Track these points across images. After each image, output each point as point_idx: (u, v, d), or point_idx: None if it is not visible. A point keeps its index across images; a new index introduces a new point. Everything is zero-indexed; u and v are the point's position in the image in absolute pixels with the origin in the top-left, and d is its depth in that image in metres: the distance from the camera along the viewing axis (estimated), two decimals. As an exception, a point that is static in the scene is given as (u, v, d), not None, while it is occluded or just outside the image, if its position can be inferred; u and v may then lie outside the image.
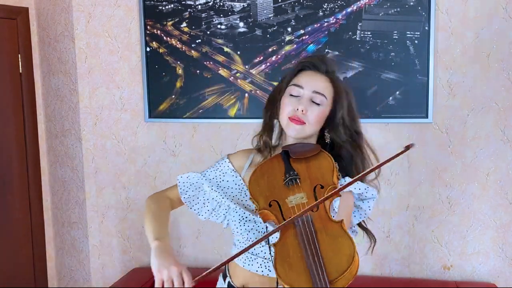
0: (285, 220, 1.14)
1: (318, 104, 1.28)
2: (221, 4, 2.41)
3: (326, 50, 2.32)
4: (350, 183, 1.15)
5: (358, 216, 1.34)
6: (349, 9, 2.29)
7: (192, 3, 2.44)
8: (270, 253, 1.28)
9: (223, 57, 2.45)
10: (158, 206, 1.37)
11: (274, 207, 1.19)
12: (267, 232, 1.28)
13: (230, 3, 2.40)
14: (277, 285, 1.14)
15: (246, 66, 2.42)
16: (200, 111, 2.50)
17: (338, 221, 1.12)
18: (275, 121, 1.38)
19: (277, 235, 1.16)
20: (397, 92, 2.28)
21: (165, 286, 1.10)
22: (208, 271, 1.08)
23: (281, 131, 1.40)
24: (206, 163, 2.55)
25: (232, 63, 2.44)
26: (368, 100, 2.30)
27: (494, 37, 2.19)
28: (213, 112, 2.48)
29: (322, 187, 1.19)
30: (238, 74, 2.44)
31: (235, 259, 1.32)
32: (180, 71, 2.50)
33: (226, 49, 2.44)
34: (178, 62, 2.50)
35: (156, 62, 2.52)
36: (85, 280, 2.77)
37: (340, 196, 1.23)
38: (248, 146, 2.47)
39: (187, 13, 2.46)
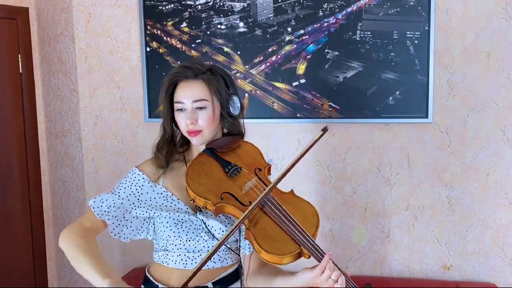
0: (245, 205, 1.26)
1: (204, 108, 1.34)
2: (221, 4, 2.41)
3: (326, 50, 2.32)
4: (290, 167, 1.29)
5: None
6: (349, 9, 2.29)
7: (192, 3, 2.44)
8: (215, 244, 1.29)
9: (223, 57, 2.45)
10: (80, 242, 1.29)
11: (228, 198, 1.27)
12: (205, 226, 1.35)
13: (230, 3, 2.40)
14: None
15: (246, 66, 2.42)
16: (200, 111, 2.49)
17: (289, 191, 1.33)
18: (177, 132, 1.45)
19: (224, 227, 1.34)
20: (397, 92, 2.28)
21: None
22: (188, 278, 1.12)
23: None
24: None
25: (232, 63, 2.44)
26: (368, 100, 2.30)
27: (494, 37, 2.19)
28: (213, 112, 2.48)
29: (260, 169, 1.36)
30: (238, 74, 2.44)
31: (171, 264, 1.38)
32: (180, 71, 2.50)
33: (226, 49, 2.44)
34: (178, 62, 2.50)
35: (156, 62, 2.52)
36: (85, 280, 2.76)
37: (270, 173, 1.39)
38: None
39: (187, 13, 2.46)
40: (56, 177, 2.84)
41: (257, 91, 2.43)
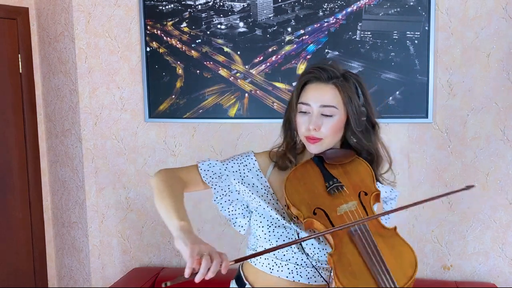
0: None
1: (330, 116, 1.24)
2: (221, 4, 2.41)
3: (326, 50, 2.32)
4: (402, 207, 1.17)
5: (384, 219, 1.32)
6: (349, 9, 2.29)
7: (192, 3, 2.44)
8: (304, 259, 1.25)
9: (223, 57, 2.45)
10: (173, 184, 1.25)
11: (320, 216, 1.17)
12: (297, 237, 1.25)
13: (230, 3, 2.40)
14: None
15: (246, 66, 2.42)
16: (200, 111, 2.50)
17: (391, 228, 1.13)
18: (297, 137, 1.35)
19: (317, 244, 1.20)
20: (397, 92, 2.28)
21: (202, 262, 0.98)
22: (239, 258, 1.06)
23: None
24: (206, 163, 2.56)
25: (232, 63, 2.44)
26: (368, 100, 2.30)
27: (494, 37, 2.19)
28: (213, 112, 2.48)
29: (366, 194, 1.19)
30: (238, 74, 2.44)
31: (258, 265, 1.31)
32: (180, 71, 2.50)
33: (226, 49, 2.44)
34: (178, 62, 2.50)
35: (156, 62, 2.52)
36: (85, 280, 2.77)
37: (379, 202, 1.22)
38: (248, 146, 2.48)
39: (187, 13, 2.46)
40: (56, 177, 2.84)
41: (257, 91, 2.43)
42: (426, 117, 2.26)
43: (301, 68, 2.36)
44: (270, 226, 1.28)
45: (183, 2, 2.45)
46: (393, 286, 1.01)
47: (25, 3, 2.75)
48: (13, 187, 2.79)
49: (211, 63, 2.46)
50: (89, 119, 2.63)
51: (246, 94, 2.44)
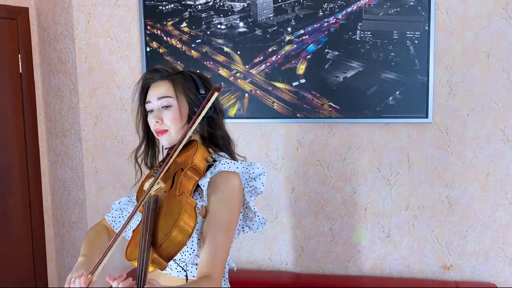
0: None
1: (169, 106, 1.33)
2: (221, 4, 2.41)
3: (326, 50, 2.32)
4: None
5: (254, 195, 1.34)
6: (349, 9, 2.29)
7: (192, 3, 2.44)
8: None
9: (223, 57, 2.45)
10: (93, 233, 1.45)
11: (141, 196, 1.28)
12: None
13: (230, 3, 2.40)
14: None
15: (246, 66, 2.42)
16: (200, 111, 2.49)
17: (179, 194, 1.18)
18: (151, 136, 1.46)
19: None
20: (397, 92, 2.28)
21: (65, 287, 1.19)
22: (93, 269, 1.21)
23: None
24: (206, 163, 2.56)
25: (232, 63, 2.44)
26: (368, 100, 2.30)
27: (494, 37, 2.19)
28: (213, 112, 2.48)
29: (182, 170, 1.25)
30: (238, 74, 2.44)
31: None
32: (180, 71, 2.50)
33: (226, 49, 2.44)
34: (178, 62, 2.50)
35: (156, 62, 2.52)
36: (85, 280, 2.76)
37: (204, 175, 1.26)
38: (248, 146, 2.48)
39: (187, 13, 2.46)
40: (56, 177, 2.84)
41: (257, 91, 2.43)
42: (426, 117, 2.26)
43: (301, 68, 2.36)
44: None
45: (183, 2, 2.45)
46: (146, 245, 1.08)
47: (25, 3, 2.75)
48: (13, 187, 2.79)
49: (211, 63, 2.46)
50: (89, 119, 2.63)
51: (246, 94, 2.44)
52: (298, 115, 2.39)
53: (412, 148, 2.33)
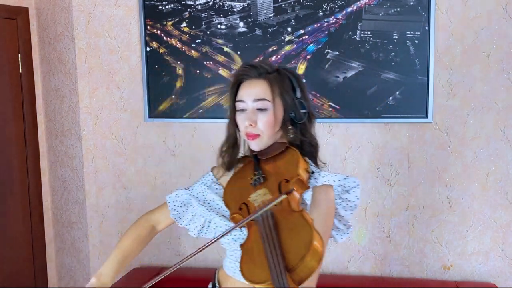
0: (252, 221, 1.12)
1: (265, 109, 1.26)
2: (221, 4, 2.41)
3: (326, 50, 2.32)
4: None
5: (349, 209, 1.30)
6: (349, 9, 2.29)
7: (192, 3, 2.44)
8: None
9: (223, 57, 2.45)
10: (131, 239, 1.43)
11: (244, 210, 1.18)
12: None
13: (230, 3, 2.40)
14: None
15: (246, 66, 2.42)
16: (200, 111, 2.50)
17: (298, 210, 1.10)
18: (239, 137, 1.37)
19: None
20: (397, 92, 2.28)
21: None
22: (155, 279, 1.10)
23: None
24: (206, 163, 2.55)
25: (232, 63, 2.44)
26: (368, 100, 2.30)
27: (494, 37, 2.19)
28: (213, 112, 2.48)
29: (287, 181, 1.17)
30: (238, 74, 2.44)
31: (225, 269, 1.36)
32: (180, 71, 2.50)
33: (226, 49, 2.44)
34: (178, 62, 2.50)
35: (156, 62, 2.52)
36: (85, 280, 2.76)
37: (309, 188, 1.20)
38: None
39: (187, 13, 2.46)
40: (56, 177, 2.84)
41: (257, 91, 2.43)
42: (426, 117, 2.26)
43: (301, 68, 2.36)
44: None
45: (183, 2, 2.45)
46: (280, 268, 0.98)
47: (25, 3, 2.75)
48: (13, 187, 2.79)
49: (211, 63, 2.46)
50: (89, 119, 2.63)
51: (246, 94, 2.44)
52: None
53: (412, 148, 2.33)
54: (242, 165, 1.36)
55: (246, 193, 1.21)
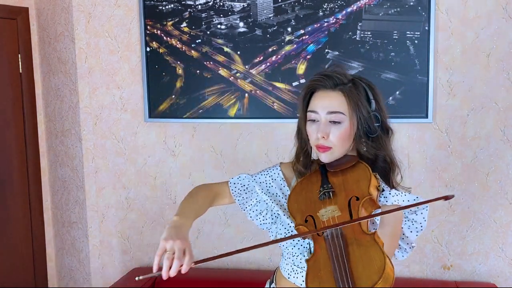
0: (318, 235, 1.10)
1: (338, 123, 1.22)
2: (221, 4, 2.41)
3: (326, 50, 2.32)
4: (385, 212, 1.11)
5: (415, 230, 1.29)
6: (349, 9, 2.29)
7: (192, 3, 2.44)
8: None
9: (223, 57, 2.45)
10: (199, 195, 1.35)
11: (310, 223, 1.16)
12: (309, 248, 1.26)
13: (230, 3, 2.40)
14: None
15: (246, 66, 2.42)
16: (200, 111, 2.50)
17: (371, 233, 1.08)
18: (308, 146, 1.34)
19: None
20: (397, 92, 2.28)
21: (165, 257, 1.08)
22: (209, 258, 1.09)
23: None
24: (206, 163, 2.56)
25: (232, 63, 2.44)
26: (368, 100, 2.30)
27: (494, 37, 2.19)
28: (213, 112, 2.48)
29: (357, 198, 1.15)
30: (238, 74, 2.44)
31: (282, 270, 1.35)
32: (180, 71, 2.50)
33: (226, 49, 2.44)
34: (178, 62, 2.50)
35: (156, 62, 2.52)
36: (85, 280, 2.76)
37: (379, 207, 1.16)
38: (248, 146, 2.48)
39: (187, 13, 2.46)
40: (56, 177, 2.84)
41: (257, 91, 2.43)
42: (426, 117, 2.26)
43: (301, 68, 2.36)
44: (287, 234, 1.29)
45: (183, 2, 2.45)
46: None
47: (25, 3, 2.75)
48: (13, 187, 2.79)
49: (211, 63, 2.46)
50: (89, 119, 2.63)
51: (246, 94, 2.44)
52: (298, 115, 2.39)
53: (412, 148, 2.33)
54: (309, 172, 1.34)
55: (313, 206, 1.19)
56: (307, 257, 1.11)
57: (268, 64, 2.40)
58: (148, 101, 2.54)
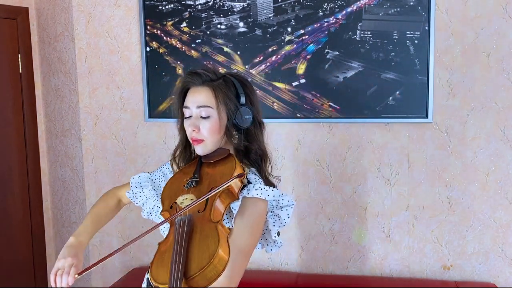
0: (172, 221, 1.17)
1: (208, 117, 1.29)
2: (221, 4, 2.41)
3: (326, 50, 2.32)
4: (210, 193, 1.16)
5: (277, 225, 1.31)
6: (349, 9, 2.29)
7: (192, 3, 2.44)
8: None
9: (223, 57, 2.45)
10: (100, 205, 1.51)
11: (173, 209, 1.22)
12: None
13: (230, 3, 2.40)
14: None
15: (246, 66, 2.42)
16: (200, 111, 2.49)
17: (215, 221, 1.13)
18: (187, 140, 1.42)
19: None
20: (397, 92, 2.28)
21: (58, 273, 1.22)
22: (90, 265, 1.20)
23: None
24: (206, 163, 2.56)
25: (232, 63, 2.44)
26: (368, 100, 2.30)
27: (494, 37, 2.19)
28: (213, 112, 2.48)
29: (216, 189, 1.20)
30: (238, 74, 2.44)
31: None
32: (180, 71, 2.50)
33: (226, 49, 2.44)
34: (178, 62, 2.50)
35: (156, 62, 2.52)
36: (85, 280, 2.77)
37: (238, 199, 1.22)
38: (248, 146, 2.48)
39: (187, 13, 2.46)
40: (56, 177, 2.84)
41: (257, 91, 2.42)
42: (426, 117, 2.26)
43: (301, 68, 2.36)
44: (164, 227, 1.36)
45: (183, 2, 2.45)
46: (178, 274, 1.01)
47: (25, 3, 2.75)
48: (13, 187, 2.79)
49: (211, 63, 2.46)
50: (89, 119, 2.64)
51: (246, 94, 2.44)
52: (298, 115, 2.39)
53: (412, 148, 2.33)
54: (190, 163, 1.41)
55: (178, 193, 1.26)
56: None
57: (268, 64, 2.40)
58: (148, 101, 2.54)
